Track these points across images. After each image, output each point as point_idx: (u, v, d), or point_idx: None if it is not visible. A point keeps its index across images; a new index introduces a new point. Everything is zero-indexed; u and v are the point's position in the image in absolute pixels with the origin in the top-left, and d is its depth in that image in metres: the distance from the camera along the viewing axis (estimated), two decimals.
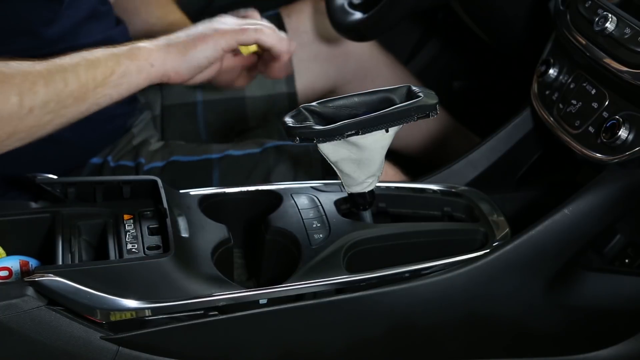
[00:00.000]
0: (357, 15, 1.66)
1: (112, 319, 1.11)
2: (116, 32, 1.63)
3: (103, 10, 1.62)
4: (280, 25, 1.84)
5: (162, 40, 1.38)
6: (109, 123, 1.61)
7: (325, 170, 1.52)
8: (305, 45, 1.87)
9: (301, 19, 1.88)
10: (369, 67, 1.92)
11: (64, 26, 1.50)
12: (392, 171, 1.60)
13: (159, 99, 1.79)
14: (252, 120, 1.80)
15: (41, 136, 1.31)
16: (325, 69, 1.88)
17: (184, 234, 1.20)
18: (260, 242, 1.27)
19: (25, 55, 1.39)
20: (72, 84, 1.29)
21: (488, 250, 1.25)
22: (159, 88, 1.79)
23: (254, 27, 1.45)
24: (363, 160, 1.21)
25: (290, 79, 1.82)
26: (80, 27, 1.54)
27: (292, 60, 1.79)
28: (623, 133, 1.23)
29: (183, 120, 1.79)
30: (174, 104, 1.79)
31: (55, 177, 1.26)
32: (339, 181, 1.26)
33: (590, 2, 1.33)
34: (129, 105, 1.67)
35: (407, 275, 1.21)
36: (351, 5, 1.70)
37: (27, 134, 1.28)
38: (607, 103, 1.29)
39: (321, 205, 1.30)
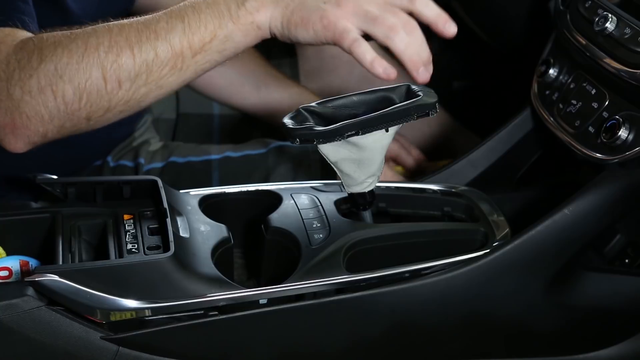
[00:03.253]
0: None
1: (112, 319, 1.11)
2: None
3: None
4: None
5: None
6: (115, 132, 1.60)
7: (325, 172, 1.51)
8: (309, 58, 1.86)
9: None
10: (372, 77, 1.91)
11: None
12: (390, 173, 1.60)
13: (174, 104, 1.78)
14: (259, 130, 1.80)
15: (145, 107, 1.21)
16: (328, 81, 1.88)
17: (184, 234, 1.20)
18: (260, 242, 1.27)
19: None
20: (164, 53, 1.15)
21: (488, 250, 1.24)
22: (175, 95, 1.78)
23: (390, 24, 1.19)
24: (363, 160, 1.21)
25: None
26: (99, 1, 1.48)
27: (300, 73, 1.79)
28: (623, 133, 1.23)
29: (198, 129, 1.78)
30: (190, 113, 1.78)
31: (55, 177, 1.26)
32: (339, 181, 1.26)
33: (590, 2, 1.33)
34: (136, 114, 1.67)
35: (407, 275, 1.21)
36: None
37: (125, 107, 1.18)
38: (607, 103, 1.29)
39: (321, 205, 1.30)
